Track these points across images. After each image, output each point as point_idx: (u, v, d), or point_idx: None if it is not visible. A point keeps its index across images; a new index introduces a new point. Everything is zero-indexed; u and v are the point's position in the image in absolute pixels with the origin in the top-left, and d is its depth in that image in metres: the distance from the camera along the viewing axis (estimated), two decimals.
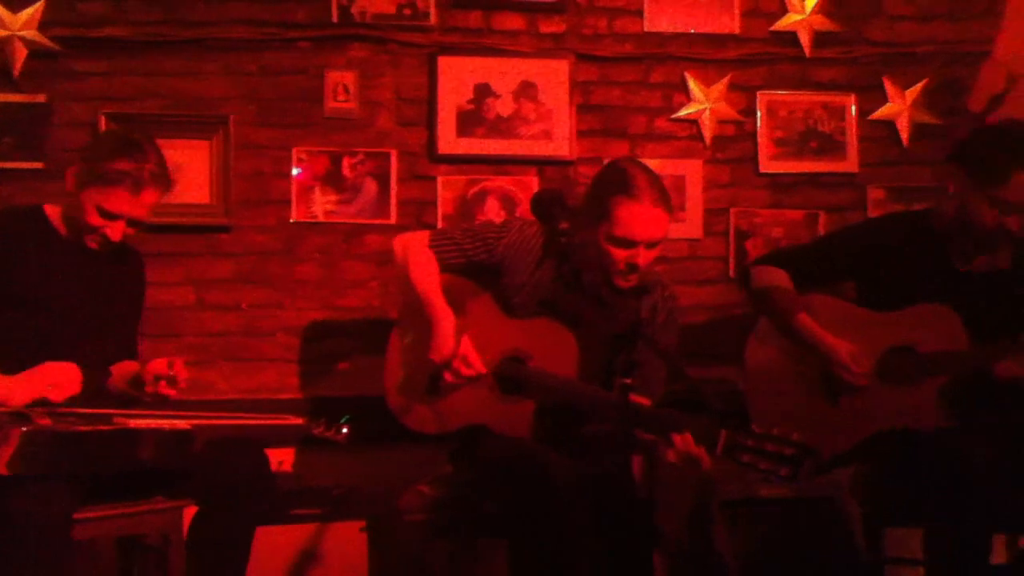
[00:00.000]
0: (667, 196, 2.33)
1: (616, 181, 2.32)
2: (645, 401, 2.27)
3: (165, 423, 2.14)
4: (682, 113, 3.40)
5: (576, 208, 2.37)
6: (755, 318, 2.73)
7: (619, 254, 2.30)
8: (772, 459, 2.06)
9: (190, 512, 2.24)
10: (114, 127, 3.00)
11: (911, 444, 2.41)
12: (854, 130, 3.45)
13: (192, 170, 3.16)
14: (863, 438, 2.47)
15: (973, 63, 3.47)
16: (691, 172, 3.39)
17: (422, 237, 2.54)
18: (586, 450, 2.39)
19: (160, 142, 2.98)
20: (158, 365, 2.22)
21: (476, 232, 2.53)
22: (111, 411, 2.19)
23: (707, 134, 3.40)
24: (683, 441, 2.11)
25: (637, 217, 2.28)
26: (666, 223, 2.32)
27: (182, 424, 2.15)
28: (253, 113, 3.22)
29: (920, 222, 2.59)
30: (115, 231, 2.27)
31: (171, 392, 2.22)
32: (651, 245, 2.32)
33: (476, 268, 2.51)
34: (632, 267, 2.30)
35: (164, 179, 2.31)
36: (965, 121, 3.44)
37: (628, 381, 2.11)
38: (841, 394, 2.52)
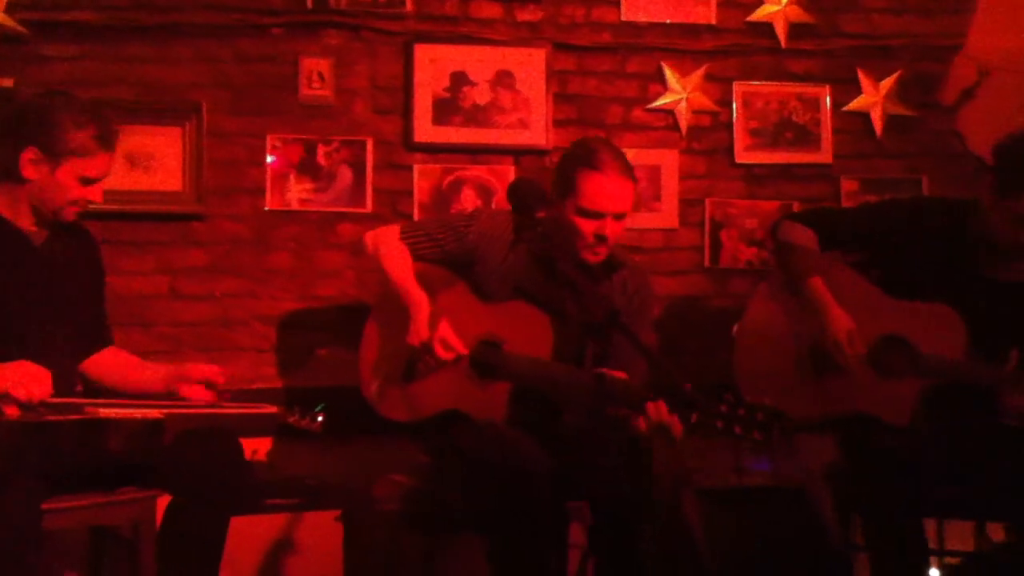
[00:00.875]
0: (631, 169, 2.41)
1: (581, 155, 2.40)
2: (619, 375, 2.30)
3: (136, 412, 2.11)
4: (658, 103, 3.41)
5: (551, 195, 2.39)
6: (772, 272, 2.73)
7: (587, 226, 2.36)
8: (745, 424, 2.08)
9: (163, 502, 2.22)
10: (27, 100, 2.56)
11: (869, 436, 2.44)
12: (828, 121, 3.47)
13: (164, 157, 3.12)
14: (832, 415, 2.52)
15: (945, 57, 3.51)
16: (667, 162, 3.39)
17: (393, 230, 2.57)
18: (563, 439, 2.40)
19: (131, 128, 2.97)
20: (209, 371, 2.26)
21: (446, 222, 2.57)
22: (81, 400, 2.16)
23: (683, 124, 3.41)
24: (656, 409, 2.14)
25: (603, 188, 2.35)
26: (631, 194, 2.40)
27: (154, 413, 2.13)
28: (226, 100, 3.18)
29: (960, 214, 2.52)
30: (97, 193, 2.27)
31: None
32: (618, 216, 2.38)
33: (450, 261, 2.53)
34: (600, 238, 2.36)
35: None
36: (936, 114, 3.49)
37: (606, 371, 2.13)
38: (827, 369, 2.53)
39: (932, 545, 2.64)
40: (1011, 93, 3.37)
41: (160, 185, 3.12)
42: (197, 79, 3.17)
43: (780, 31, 3.45)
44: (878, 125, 3.48)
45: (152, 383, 2.33)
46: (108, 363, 2.40)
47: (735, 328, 2.69)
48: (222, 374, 2.27)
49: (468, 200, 3.28)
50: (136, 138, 3.05)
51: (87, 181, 2.24)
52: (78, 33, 3.10)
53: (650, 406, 2.14)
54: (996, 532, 2.77)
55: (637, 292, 2.52)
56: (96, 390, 2.34)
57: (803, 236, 2.59)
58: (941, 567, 2.73)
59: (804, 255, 2.57)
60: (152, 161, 3.10)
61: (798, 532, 2.90)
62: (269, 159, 3.20)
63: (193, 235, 3.17)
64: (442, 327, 2.37)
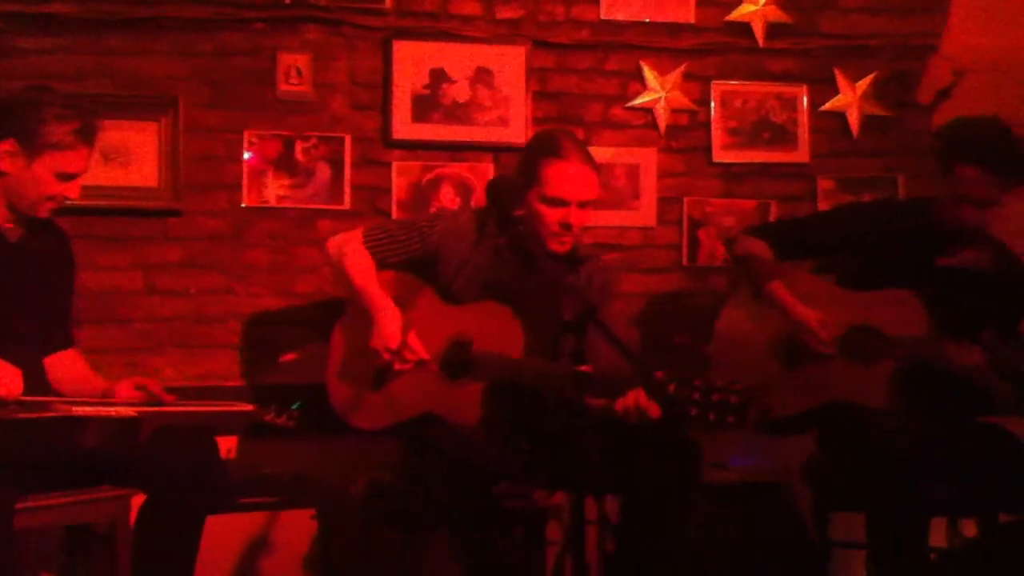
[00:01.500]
0: (592, 158, 2.43)
1: (544, 145, 2.43)
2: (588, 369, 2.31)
3: (111, 410, 2.10)
4: (637, 102, 3.41)
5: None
6: (731, 289, 2.86)
7: (552, 215, 2.37)
8: (718, 408, 2.09)
9: (138, 501, 2.21)
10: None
11: (852, 426, 2.48)
12: (806, 121, 3.49)
13: (140, 152, 3.09)
14: (812, 406, 2.56)
15: (921, 57, 3.54)
16: (645, 161, 3.40)
17: (355, 235, 2.54)
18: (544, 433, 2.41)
19: (107, 122, 2.93)
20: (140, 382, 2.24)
21: (409, 224, 2.56)
22: (53, 399, 2.14)
23: (661, 123, 3.42)
24: (634, 395, 2.16)
25: (567, 175, 2.36)
26: (595, 182, 2.42)
27: (128, 411, 2.11)
28: (204, 94, 3.16)
29: (913, 211, 2.67)
30: (74, 189, 2.24)
31: None
32: (583, 204, 2.39)
33: (414, 265, 2.51)
34: (566, 227, 2.37)
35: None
36: (912, 114, 3.52)
37: (586, 369, 2.14)
38: (801, 360, 2.59)
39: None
40: (986, 93, 3.40)
41: (136, 180, 3.09)
42: (174, 73, 3.14)
43: (758, 30, 3.46)
44: (855, 125, 3.51)
45: (90, 390, 2.30)
46: (67, 367, 2.36)
47: (707, 347, 2.75)
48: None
49: (447, 197, 3.27)
50: (112, 132, 3.01)
51: (64, 176, 2.21)
52: (54, 25, 3.06)
53: (629, 393, 2.16)
54: (969, 529, 2.80)
55: (603, 287, 2.52)
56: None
57: (757, 247, 2.69)
58: None
59: (761, 263, 2.65)
60: (128, 156, 3.07)
61: (776, 528, 2.93)
62: (247, 155, 3.18)
63: (169, 231, 3.14)
64: (409, 335, 2.36)
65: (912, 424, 2.46)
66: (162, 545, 2.14)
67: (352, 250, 2.49)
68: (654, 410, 2.15)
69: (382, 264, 2.50)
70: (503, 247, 2.45)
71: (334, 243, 2.56)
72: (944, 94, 3.51)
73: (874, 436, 2.43)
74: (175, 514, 2.14)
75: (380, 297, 2.40)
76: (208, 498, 2.20)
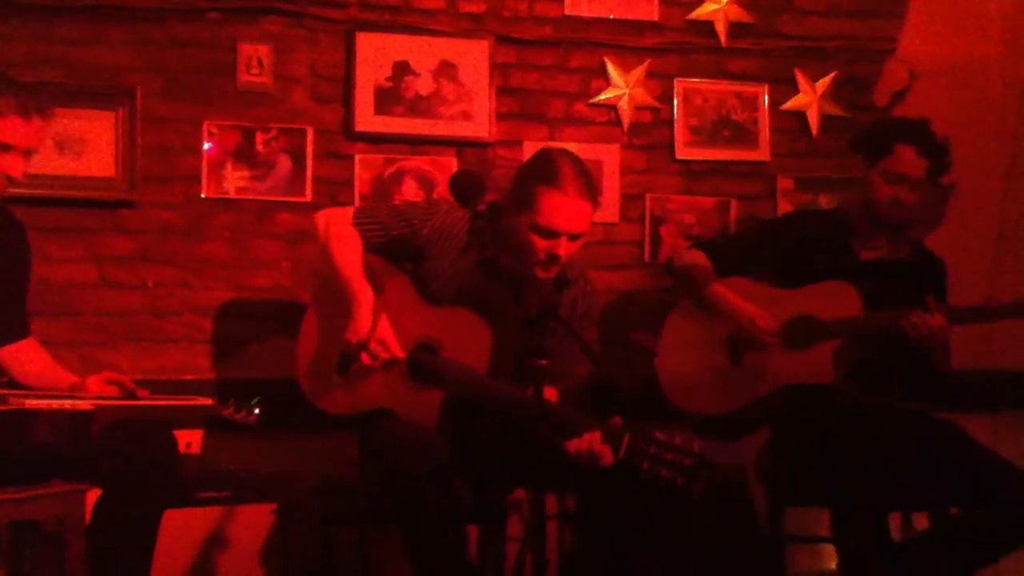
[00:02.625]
0: (593, 189, 2.35)
1: (543, 170, 2.33)
2: (554, 391, 2.29)
3: (65, 403, 2.05)
4: (601, 98, 3.42)
5: (496, 191, 2.37)
6: (675, 300, 2.88)
7: (541, 243, 2.30)
8: (671, 468, 2.09)
9: (94, 497, 2.16)
10: None
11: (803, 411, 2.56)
12: (766, 120, 3.53)
13: (95, 142, 3.03)
14: (761, 395, 2.65)
15: (878, 59, 3.59)
16: (608, 157, 3.41)
17: (346, 213, 2.48)
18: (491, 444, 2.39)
19: (60, 111, 2.87)
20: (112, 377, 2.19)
21: (402, 212, 2.48)
22: (5, 391, 2.09)
23: (625, 120, 3.43)
24: (589, 438, 2.14)
25: (561, 208, 2.28)
26: (590, 215, 2.34)
27: (84, 405, 2.07)
28: (160, 85, 3.10)
29: (828, 218, 2.89)
30: (15, 166, 2.16)
31: None
32: (573, 237, 2.32)
33: (396, 248, 2.46)
34: (553, 258, 2.31)
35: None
36: (869, 116, 3.57)
37: (543, 363, 2.12)
38: (746, 354, 2.70)
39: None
40: (941, 96, 3.46)
41: (91, 171, 3.03)
42: (131, 63, 3.08)
43: (720, 30, 3.49)
44: (814, 124, 3.55)
45: (58, 386, 2.25)
46: (31, 359, 2.32)
47: (655, 361, 2.82)
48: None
49: (410, 191, 3.25)
50: (66, 121, 2.95)
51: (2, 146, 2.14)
52: (3, 11, 2.99)
53: (585, 435, 2.14)
54: (921, 521, 2.85)
55: (587, 313, 2.49)
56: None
57: (695, 257, 2.78)
58: None
59: (700, 271, 2.74)
60: (83, 146, 3.01)
61: (730, 524, 2.95)
62: (205, 146, 3.13)
63: (125, 223, 3.08)
64: (382, 326, 2.31)
65: (863, 406, 2.56)
66: (118, 540, 2.10)
67: (340, 230, 2.42)
68: (607, 457, 2.13)
69: (367, 247, 2.43)
70: (489, 263, 2.40)
71: (322, 217, 2.49)
72: (900, 96, 3.57)
73: (827, 435, 2.48)
74: (131, 508, 2.10)
75: (362, 287, 2.33)
76: (165, 492, 2.16)
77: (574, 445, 2.14)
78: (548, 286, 2.36)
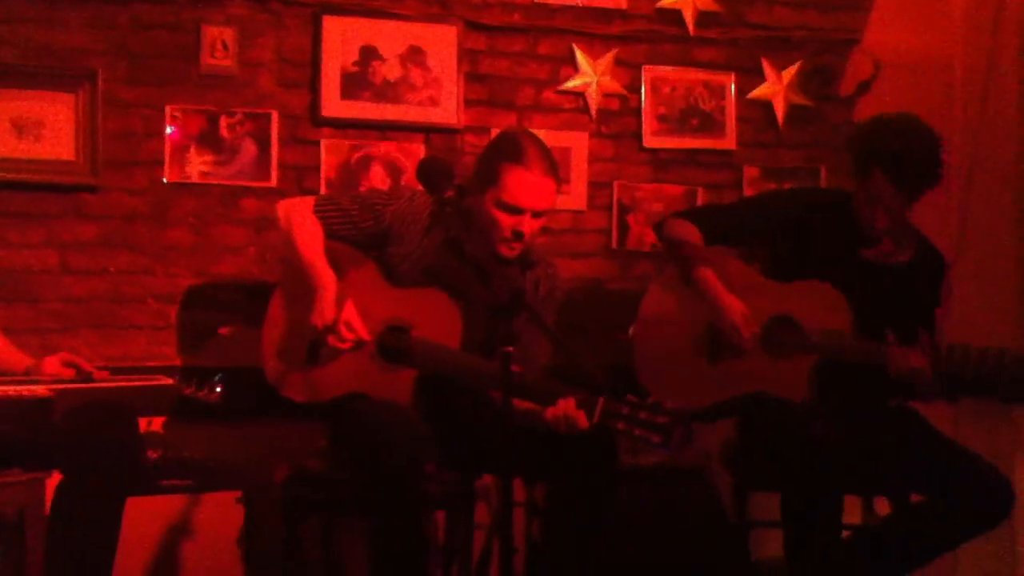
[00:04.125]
0: (556, 168, 2.39)
1: (507, 148, 2.37)
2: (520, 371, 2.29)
3: (23, 389, 2.02)
4: (569, 85, 3.42)
5: (464, 177, 2.36)
6: (662, 267, 2.82)
7: (505, 220, 2.33)
8: (645, 427, 2.13)
9: (54, 483, 2.12)
10: None
11: (771, 414, 2.52)
12: (733, 109, 3.55)
13: (55, 125, 2.98)
14: (729, 397, 2.59)
15: (843, 50, 3.63)
16: (577, 145, 3.41)
17: (307, 202, 2.48)
18: (465, 427, 2.40)
19: (16, 93, 2.82)
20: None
21: (363, 199, 2.50)
22: None
23: (593, 107, 3.43)
24: (564, 404, 2.17)
25: (525, 184, 2.32)
26: (553, 193, 2.38)
27: (41, 390, 2.04)
28: (123, 68, 3.05)
29: (841, 202, 2.67)
30: None
31: None
32: (537, 214, 2.36)
33: (363, 240, 2.46)
34: (517, 235, 2.34)
35: None
36: (834, 106, 3.60)
37: (510, 349, 2.13)
38: (721, 351, 2.61)
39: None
40: (905, 87, 3.50)
41: (51, 154, 2.97)
42: (93, 45, 3.03)
43: (688, 18, 3.50)
44: (780, 114, 3.58)
45: (13, 368, 2.22)
46: None
47: (631, 329, 2.74)
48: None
49: (377, 177, 3.23)
50: (23, 103, 2.90)
51: None
52: None
53: (560, 401, 2.17)
54: (883, 507, 2.89)
55: (549, 294, 2.50)
56: None
57: (687, 232, 2.68)
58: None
59: (690, 249, 2.65)
60: (42, 129, 2.95)
61: (695, 509, 2.97)
62: (168, 130, 3.09)
63: (86, 207, 3.04)
64: (347, 310, 2.32)
65: (828, 409, 2.51)
66: (80, 528, 2.07)
67: (302, 219, 2.42)
68: (582, 420, 2.16)
69: (330, 236, 2.44)
70: (453, 242, 2.42)
71: (283, 206, 2.49)
72: (864, 87, 3.61)
73: (791, 422, 2.48)
74: (93, 495, 2.07)
75: (324, 271, 2.34)
76: (128, 477, 2.13)
77: (550, 412, 2.18)
78: (514, 270, 2.39)
